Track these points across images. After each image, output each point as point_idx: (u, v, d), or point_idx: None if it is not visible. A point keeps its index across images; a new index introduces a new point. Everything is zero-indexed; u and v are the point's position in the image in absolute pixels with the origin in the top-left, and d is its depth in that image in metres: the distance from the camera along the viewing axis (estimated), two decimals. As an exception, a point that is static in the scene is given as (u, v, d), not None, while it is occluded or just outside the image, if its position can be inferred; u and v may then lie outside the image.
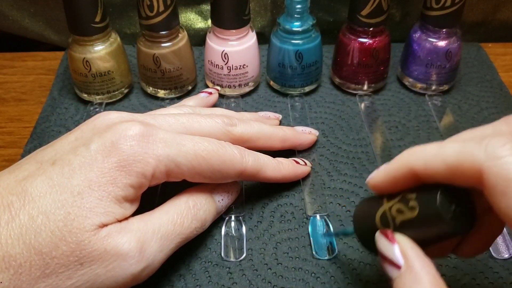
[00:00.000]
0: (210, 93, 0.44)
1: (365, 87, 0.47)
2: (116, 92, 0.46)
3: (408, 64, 0.47)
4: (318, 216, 0.35)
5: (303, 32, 0.43)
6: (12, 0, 0.53)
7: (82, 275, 0.26)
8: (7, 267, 0.24)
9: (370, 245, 0.27)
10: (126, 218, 0.28)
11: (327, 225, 0.35)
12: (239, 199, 0.36)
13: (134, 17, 0.54)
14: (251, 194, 0.37)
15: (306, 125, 0.43)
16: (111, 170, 0.27)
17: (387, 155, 0.40)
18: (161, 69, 0.45)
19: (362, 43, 0.44)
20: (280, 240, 0.34)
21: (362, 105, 0.46)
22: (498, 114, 0.45)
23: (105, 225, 0.27)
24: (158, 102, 0.47)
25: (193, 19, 0.56)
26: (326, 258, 0.33)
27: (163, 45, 0.44)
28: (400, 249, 0.24)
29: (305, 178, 0.38)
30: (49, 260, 0.25)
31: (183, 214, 0.30)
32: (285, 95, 0.47)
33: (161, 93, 0.47)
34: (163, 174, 0.29)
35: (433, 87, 0.47)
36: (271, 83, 0.48)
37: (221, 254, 0.33)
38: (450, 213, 0.23)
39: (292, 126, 0.41)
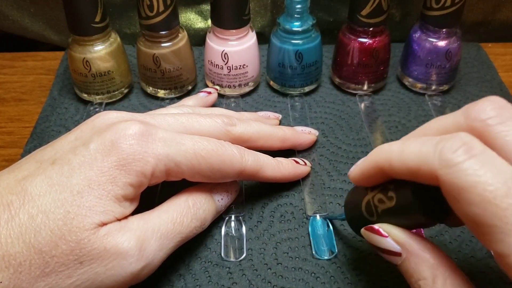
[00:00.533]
0: (209, 93, 0.44)
1: (365, 87, 0.47)
2: (116, 92, 0.46)
3: (408, 64, 0.47)
4: (318, 216, 0.35)
5: (303, 32, 0.43)
6: (12, 0, 0.53)
7: (82, 274, 0.26)
8: (6, 266, 0.24)
9: (359, 231, 0.29)
10: (126, 217, 0.28)
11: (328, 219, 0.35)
12: (239, 199, 0.36)
13: (134, 17, 0.54)
14: (251, 194, 0.37)
15: (306, 125, 0.43)
16: (110, 169, 0.27)
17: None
18: (161, 69, 0.45)
19: (362, 43, 0.44)
20: (280, 240, 0.34)
21: (362, 105, 0.46)
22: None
23: (104, 224, 0.27)
24: (158, 102, 0.47)
25: (193, 19, 0.56)
26: (326, 258, 0.33)
27: (163, 45, 0.44)
28: (392, 238, 0.26)
29: (305, 178, 0.38)
30: (48, 259, 0.25)
31: (182, 213, 0.30)
32: (285, 95, 0.47)
33: (161, 93, 0.47)
34: (162, 173, 0.29)
35: (433, 87, 0.47)
36: (271, 83, 0.48)
37: (221, 254, 0.33)
38: (422, 205, 0.25)
39: (292, 126, 0.41)
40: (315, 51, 0.45)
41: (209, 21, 0.54)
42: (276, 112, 0.44)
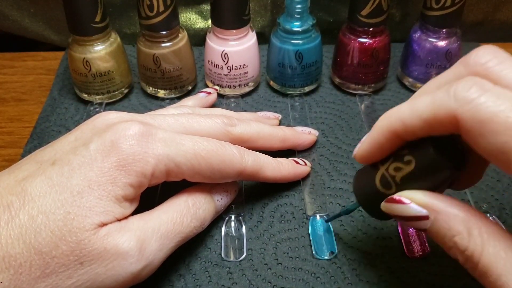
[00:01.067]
0: (209, 93, 0.44)
1: (365, 87, 0.47)
2: (116, 92, 0.46)
3: (408, 64, 0.47)
4: (318, 216, 0.35)
5: (303, 32, 0.43)
6: (12, 0, 0.53)
7: (82, 275, 0.26)
8: (7, 267, 0.24)
9: (377, 212, 0.27)
10: (126, 217, 0.28)
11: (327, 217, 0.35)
12: (239, 199, 0.36)
13: (134, 17, 0.54)
14: (251, 194, 0.37)
15: (306, 125, 0.43)
16: (110, 170, 0.27)
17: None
18: (161, 69, 0.45)
19: (362, 43, 0.44)
20: (280, 240, 0.34)
21: (362, 105, 0.46)
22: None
23: (104, 224, 0.27)
24: (158, 102, 0.47)
25: (193, 19, 0.56)
26: (326, 258, 0.33)
27: (163, 45, 0.44)
28: (415, 203, 0.25)
29: (305, 178, 0.38)
30: (49, 260, 0.25)
31: (182, 213, 0.30)
32: (285, 95, 0.47)
33: (161, 93, 0.47)
34: (162, 173, 0.29)
35: (433, 87, 0.47)
36: (271, 83, 0.48)
37: (221, 254, 0.33)
38: (445, 156, 0.24)
39: (292, 126, 0.41)
40: (315, 51, 0.45)
41: (209, 21, 0.54)
42: (276, 112, 0.44)
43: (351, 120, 0.44)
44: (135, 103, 0.47)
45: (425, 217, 0.24)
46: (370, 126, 0.43)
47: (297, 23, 0.43)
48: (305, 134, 0.40)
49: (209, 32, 0.45)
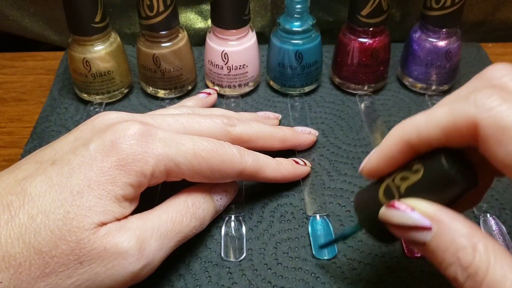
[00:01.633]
0: (209, 94, 0.44)
1: (365, 87, 0.47)
2: (116, 92, 0.46)
3: (408, 64, 0.47)
4: (318, 216, 0.35)
5: (303, 32, 0.43)
6: (12, 0, 0.53)
7: (82, 274, 0.26)
8: (7, 266, 0.24)
9: (380, 232, 0.26)
10: (126, 217, 0.28)
11: (324, 230, 0.35)
12: (239, 199, 0.36)
13: (134, 17, 0.54)
14: (251, 194, 0.37)
15: (306, 125, 0.43)
16: (110, 169, 0.27)
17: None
18: (161, 69, 0.45)
19: (362, 43, 0.44)
20: (280, 240, 0.34)
21: (362, 105, 0.46)
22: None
23: (104, 224, 0.27)
24: (158, 102, 0.47)
25: (193, 19, 0.56)
26: (326, 258, 0.33)
27: (163, 45, 0.44)
28: (419, 211, 0.23)
29: (305, 178, 0.38)
30: (48, 259, 0.25)
31: (182, 213, 0.30)
32: (285, 95, 0.47)
33: (161, 93, 0.47)
34: (162, 173, 0.29)
35: (433, 87, 0.47)
36: (271, 83, 0.48)
37: (221, 254, 0.33)
38: (456, 167, 0.23)
39: (292, 126, 0.41)
40: (315, 51, 0.45)
41: (209, 21, 0.54)
42: (276, 112, 0.44)
43: (351, 120, 0.44)
44: (135, 103, 0.47)
45: (428, 228, 0.23)
46: (370, 126, 0.43)
47: (297, 23, 0.43)
48: (305, 134, 0.40)
49: (209, 32, 0.45)
